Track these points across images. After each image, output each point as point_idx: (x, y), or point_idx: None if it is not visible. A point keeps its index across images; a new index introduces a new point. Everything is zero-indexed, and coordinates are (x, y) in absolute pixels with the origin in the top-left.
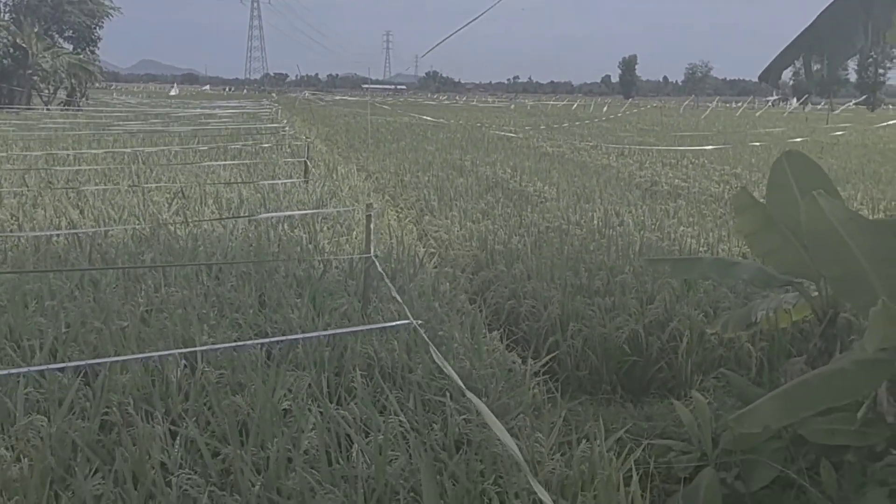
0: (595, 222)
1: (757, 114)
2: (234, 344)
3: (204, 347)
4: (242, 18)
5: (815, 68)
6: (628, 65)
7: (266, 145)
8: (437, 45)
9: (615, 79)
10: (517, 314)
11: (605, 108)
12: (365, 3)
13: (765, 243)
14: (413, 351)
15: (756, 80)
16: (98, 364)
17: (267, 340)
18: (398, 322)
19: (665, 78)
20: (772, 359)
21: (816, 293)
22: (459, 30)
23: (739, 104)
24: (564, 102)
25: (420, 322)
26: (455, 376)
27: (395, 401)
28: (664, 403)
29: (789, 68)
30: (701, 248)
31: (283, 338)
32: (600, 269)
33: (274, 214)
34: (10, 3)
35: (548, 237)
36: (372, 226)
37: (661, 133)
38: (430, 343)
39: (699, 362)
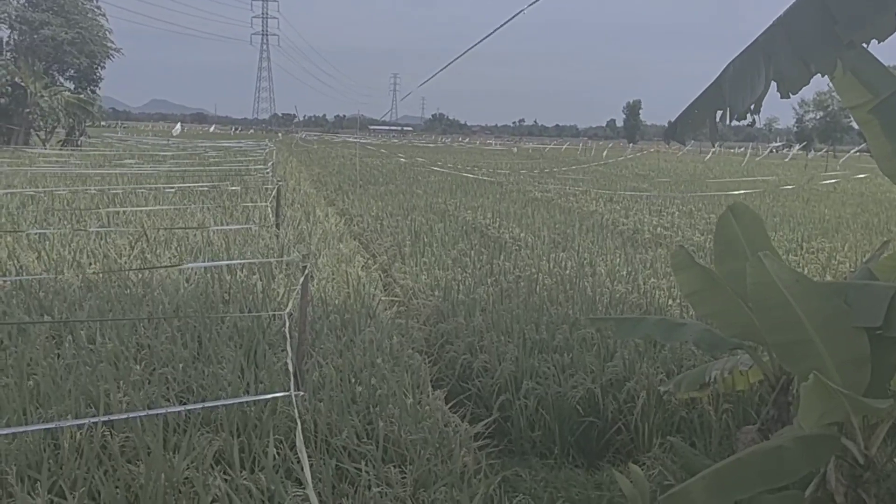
0: (567, 271)
1: (757, 159)
2: (125, 416)
3: (100, 418)
4: (252, 60)
5: (718, 118)
6: (632, 109)
7: (236, 187)
8: (431, 77)
9: (620, 123)
10: (471, 370)
11: (604, 153)
12: (373, 45)
13: (708, 304)
14: (344, 412)
15: (761, 126)
16: None
17: (150, 413)
18: (279, 394)
19: (669, 122)
20: (736, 423)
21: (767, 357)
22: (453, 62)
23: (742, 149)
24: (566, 146)
25: (301, 394)
26: (305, 461)
27: (300, 469)
28: (619, 469)
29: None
30: (672, 302)
31: (161, 410)
32: (563, 322)
33: (205, 264)
34: (11, 43)
35: (516, 287)
36: (304, 279)
37: (655, 179)
38: (298, 421)
39: (659, 425)
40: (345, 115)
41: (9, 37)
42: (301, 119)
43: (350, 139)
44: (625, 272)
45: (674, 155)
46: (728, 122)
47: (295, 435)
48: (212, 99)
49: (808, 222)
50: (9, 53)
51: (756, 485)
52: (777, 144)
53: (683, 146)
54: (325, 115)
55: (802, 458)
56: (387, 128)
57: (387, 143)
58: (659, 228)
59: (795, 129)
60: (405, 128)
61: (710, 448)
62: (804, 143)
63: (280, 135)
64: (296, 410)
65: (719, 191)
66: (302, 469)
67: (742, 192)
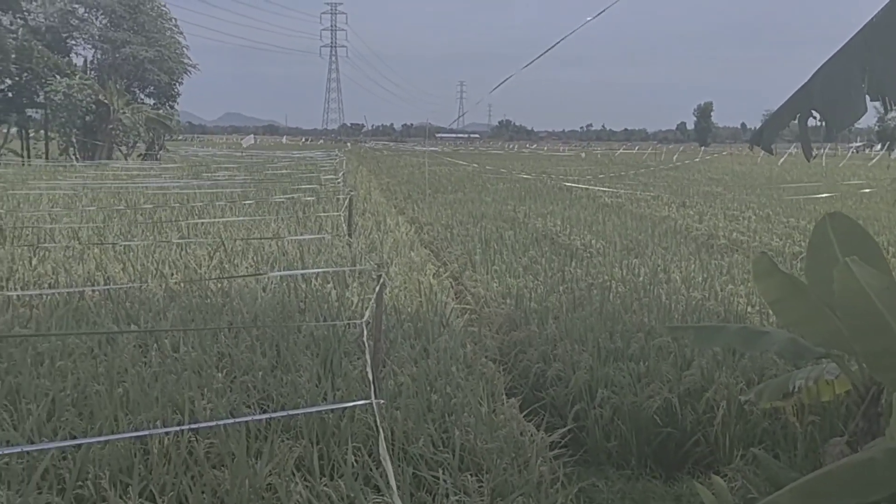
0: (641, 278)
1: (840, 164)
2: (210, 424)
3: (188, 426)
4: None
5: (811, 125)
6: (704, 112)
7: (311, 198)
8: (501, 84)
9: (690, 126)
10: (545, 378)
11: (675, 157)
12: (440, 54)
13: (793, 312)
14: (420, 420)
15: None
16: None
17: (232, 420)
18: (360, 402)
19: (743, 125)
20: (822, 436)
21: (856, 367)
22: (524, 68)
23: (821, 151)
24: (636, 150)
25: (382, 402)
26: (390, 472)
27: (378, 476)
28: (699, 481)
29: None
30: (751, 310)
31: (243, 418)
32: (638, 330)
33: (285, 273)
34: (95, 62)
35: (588, 295)
36: (379, 288)
37: (729, 182)
38: (380, 429)
39: (740, 436)
40: (412, 124)
41: (93, 56)
42: (369, 128)
43: (417, 147)
44: (700, 279)
45: (748, 158)
46: (823, 137)
47: (373, 443)
48: (282, 111)
49: (894, 226)
50: (93, 72)
51: (846, 499)
52: (858, 144)
53: (770, 154)
54: (392, 124)
55: (895, 471)
56: (454, 135)
57: (455, 150)
58: (735, 233)
59: (877, 128)
60: (472, 135)
61: (795, 461)
62: (887, 143)
63: (349, 144)
64: (377, 419)
65: (797, 194)
66: (382, 476)
67: (823, 195)
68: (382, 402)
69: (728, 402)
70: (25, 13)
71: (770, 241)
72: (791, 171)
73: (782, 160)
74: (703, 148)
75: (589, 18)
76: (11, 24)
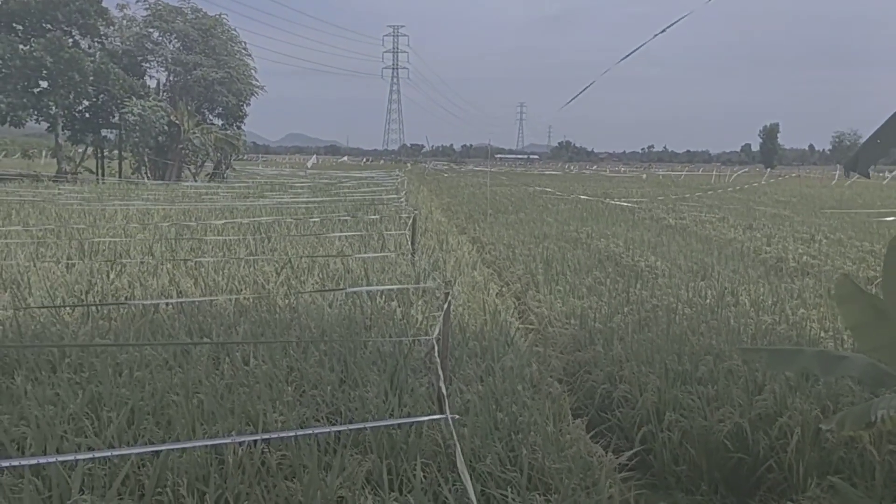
0: (708, 301)
1: None
2: (283, 434)
3: (261, 436)
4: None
5: None
6: (770, 133)
7: (374, 216)
8: (564, 106)
9: (755, 147)
10: (611, 399)
11: (732, 178)
12: (500, 76)
13: (875, 337)
14: (488, 437)
15: None
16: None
17: (304, 432)
18: (435, 416)
19: (811, 146)
20: None
21: None
22: (582, 91)
23: (893, 173)
24: (699, 172)
25: (456, 417)
26: (468, 485)
27: (447, 492)
28: None
29: None
30: (824, 335)
31: (315, 430)
32: (706, 353)
33: (357, 289)
34: (167, 84)
35: (654, 316)
36: (447, 305)
37: (797, 205)
38: (457, 444)
39: (815, 463)
40: (471, 145)
41: (166, 79)
42: (429, 149)
43: (477, 168)
44: (770, 302)
45: (816, 180)
46: None
47: (441, 459)
48: (344, 131)
49: None
50: (165, 94)
51: None
52: None
53: (867, 178)
54: (451, 145)
55: None
56: (513, 156)
57: (513, 170)
58: (805, 257)
59: None
60: (531, 156)
61: (873, 490)
62: None
63: (409, 165)
64: (453, 433)
65: (869, 218)
66: (452, 492)
67: (893, 218)
68: (457, 417)
69: (802, 428)
70: (103, 37)
71: (843, 264)
72: (863, 195)
73: (849, 182)
74: (768, 170)
75: (648, 39)
76: (90, 47)
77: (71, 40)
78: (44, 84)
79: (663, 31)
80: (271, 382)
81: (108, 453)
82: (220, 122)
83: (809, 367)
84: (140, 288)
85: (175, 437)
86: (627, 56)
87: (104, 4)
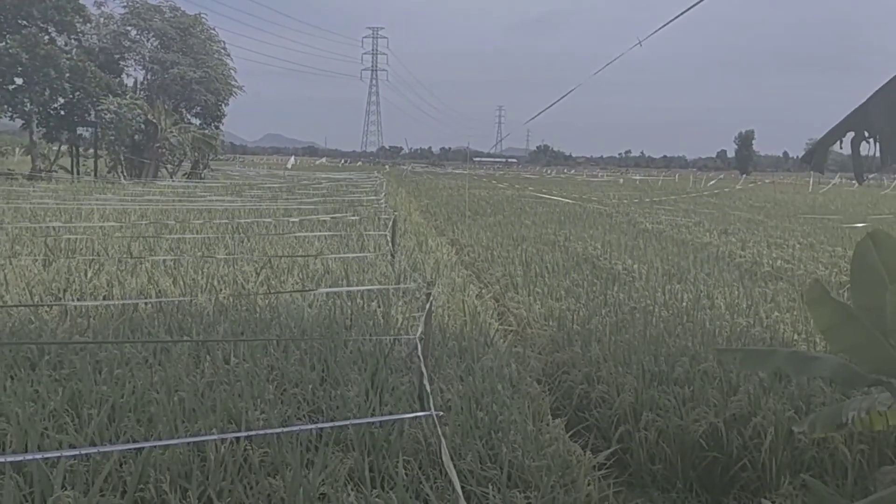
0: (684, 303)
1: (882, 192)
2: (266, 432)
3: (243, 433)
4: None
5: (864, 153)
6: (745, 140)
7: (354, 217)
8: (540, 113)
9: (731, 153)
10: (589, 399)
11: (709, 184)
12: (478, 79)
13: (845, 338)
14: (468, 436)
15: None
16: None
17: (287, 430)
18: (417, 413)
19: (785, 153)
20: (872, 464)
21: None
22: (563, 97)
23: (868, 179)
24: (675, 177)
25: (440, 414)
26: (454, 477)
27: (429, 489)
28: None
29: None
30: (797, 337)
31: (297, 427)
32: (682, 354)
33: (339, 289)
34: (145, 83)
35: (631, 318)
36: (429, 305)
37: (771, 211)
38: (442, 439)
39: (788, 462)
40: (450, 147)
41: (143, 77)
42: (407, 151)
43: (456, 171)
44: (745, 305)
45: (790, 186)
46: (875, 166)
47: (423, 456)
48: (322, 132)
49: None
50: (142, 92)
51: None
52: None
53: (821, 174)
54: (430, 147)
55: None
56: (491, 159)
57: (492, 174)
58: (779, 261)
59: None
60: (510, 159)
61: (844, 488)
62: None
63: (387, 167)
64: (438, 429)
65: (841, 223)
66: (433, 489)
67: (863, 224)
68: (441, 413)
69: (776, 428)
70: (80, 34)
71: (815, 269)
72: (835, 201)
73: (825, 189)
74: (744, 176)
75: (630, 47)
76: (66, 44)
77: (47, 37)
78: (19, 81)
79: (646, 38)
80: (252, 381)
81: (92, 450)
82: (197, 122)
83: (783, 367)
84: (119, 286)
85: (157, 435)
86: (606, 66)
87: (81, 1)
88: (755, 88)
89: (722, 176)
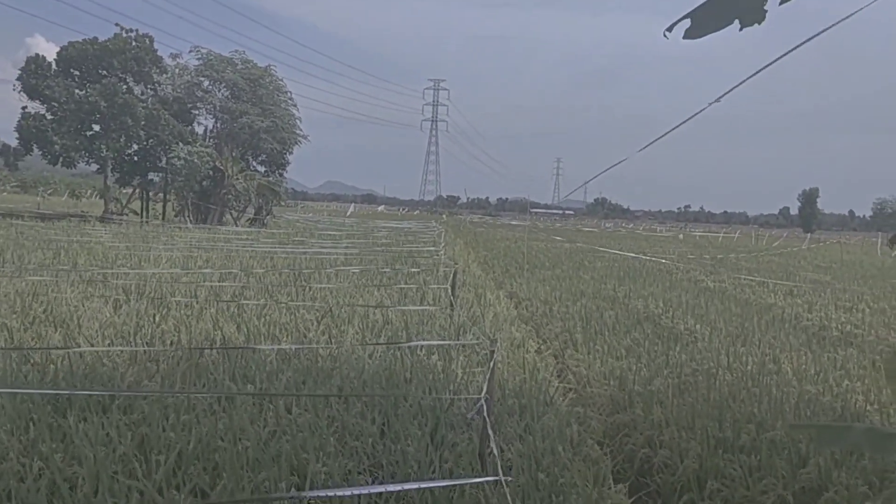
0: (749, 367)
1: None
2: (332, 492)
3: (308, 493)
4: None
5: None
6: (809, 197)
7: (414, 269)
8: (603, 172)
9: (794, 211)
10: (651, 464)
11: (775, 243)
12: (537, 131)
13: None
14: (528, 499)
15: None
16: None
17: (351, 491)
18: (482, 479)
19: (851, 212)
20: None
21: None
22: (623, 160)
23: None
24: (737, 234)
25: (509, 479)
26: None
27: None
28: None
29: None
30: (870, 408)
31: (364, 489)
32: (748, 421)
33: (407, 343)
34: (214, 131)
35: (694, 381)
36: (493, 363)
37: (838, 272)
38: None
39: None
40: (507, 198)
41: (213, 125)
42: (465, 200)
43: (512, 222)
44: (812, 371)
45: (856, 246)
46: None
47: None
48: (381, 181)
49: None
50: (211, 140)
51: None
52: None
53: None
54: (487, 198)
55: None
56: (549, 211)
57: (550, 226)
58: (849, 326)
59: None
60: (567, 211)
61: None
62: None
63: (444, 216)
64: (508, 497)
65: None
66: None
67: None
68: (510, 479)
69: None
70: (156, 84)
71: (888, 335)
72: None
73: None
74: (808, 235)
75: (704, 107)
76: (143, 93)
77: (125, 86)
78: (96, 127)
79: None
80: (314, 431)
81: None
82: (262, 169)
83: (862, 445)
84: (185, 331)
85: (222, 484)
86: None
87: (159, 53)
88: (819, 145)
89: (786, 234)
